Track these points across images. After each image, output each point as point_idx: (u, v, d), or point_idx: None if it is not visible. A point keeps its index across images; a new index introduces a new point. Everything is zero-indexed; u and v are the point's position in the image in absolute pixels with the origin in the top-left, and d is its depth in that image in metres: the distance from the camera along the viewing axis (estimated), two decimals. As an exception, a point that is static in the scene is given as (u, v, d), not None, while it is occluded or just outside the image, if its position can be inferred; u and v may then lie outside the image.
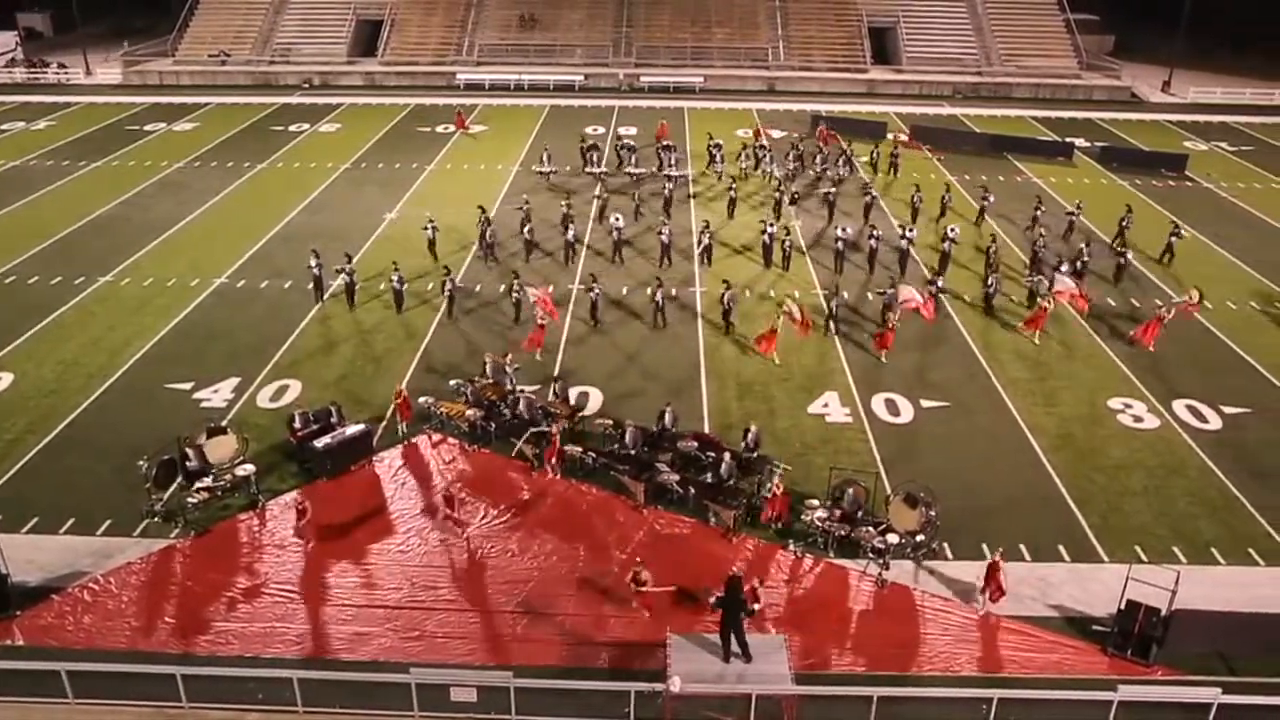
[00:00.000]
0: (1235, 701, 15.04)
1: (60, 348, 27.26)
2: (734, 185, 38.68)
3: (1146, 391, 25.31)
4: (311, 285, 30.19)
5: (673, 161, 41.49)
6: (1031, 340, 27.75)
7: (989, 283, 29.66)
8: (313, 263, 29.87)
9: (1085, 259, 31.53)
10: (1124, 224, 35.01)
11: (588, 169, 42.43)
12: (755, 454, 21.20)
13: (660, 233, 33.14)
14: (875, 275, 32.13)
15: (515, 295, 28.71)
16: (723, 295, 28.43)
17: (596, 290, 28.54)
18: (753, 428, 21.61)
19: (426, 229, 33.57)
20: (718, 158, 42.72)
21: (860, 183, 40.44)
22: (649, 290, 28.84)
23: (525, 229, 33.62)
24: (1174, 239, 33.70)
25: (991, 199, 37.31)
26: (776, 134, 49.09)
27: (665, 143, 43.81)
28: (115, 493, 20.58)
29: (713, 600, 15.67)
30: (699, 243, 33.27)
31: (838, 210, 37.38)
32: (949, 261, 32.09)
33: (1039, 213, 35.88)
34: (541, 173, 41.86)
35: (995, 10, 65.93)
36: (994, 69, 62.35)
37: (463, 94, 59.56)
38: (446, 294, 29.04)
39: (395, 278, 29.35)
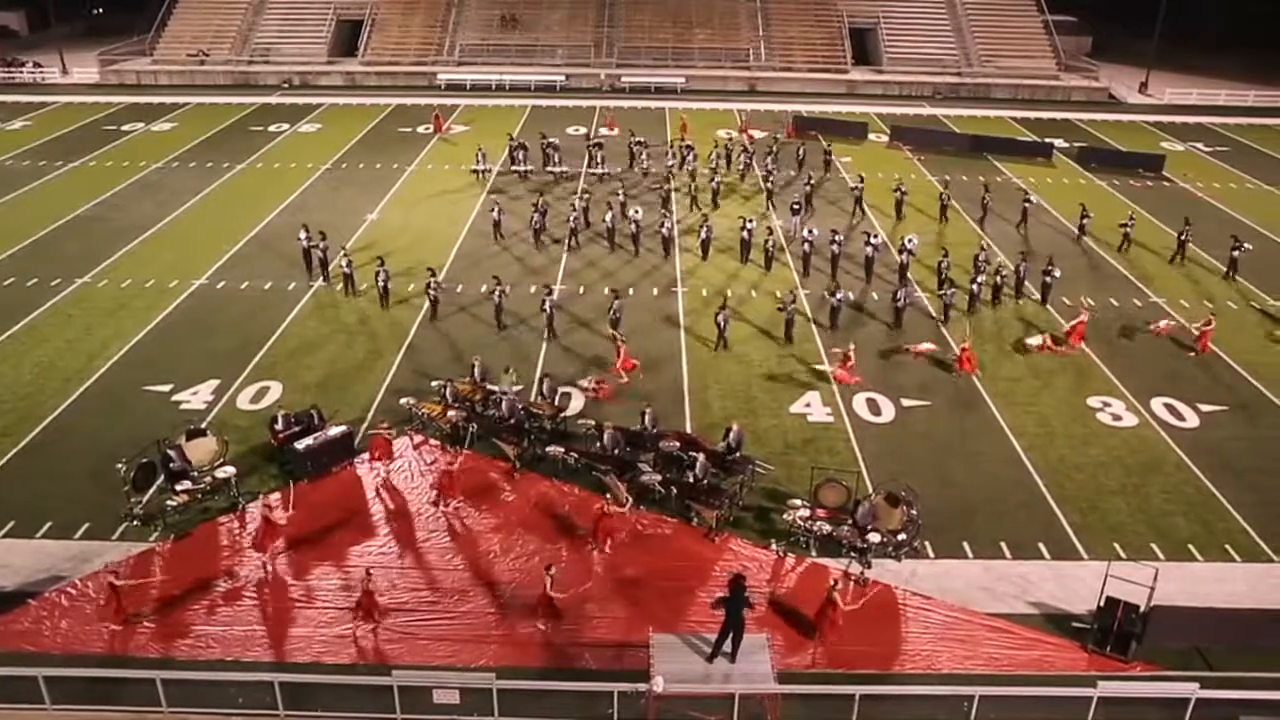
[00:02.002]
0: (1213, 696, 15.17)
1: (36, 350, 26.96)
2: (770, 179, 39.23)
3: (1125, 390, 25.54)
4: (301, 260, 32.00)
5: (599, 160, 42.37)
6: (1078, 352, 27.33)
7: (898, 297, 28.52)
8: (302, 235, 31.69)
9: (1004, 274, 30.74)
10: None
11: (514, 167, 42.62)
12: (737, 454, 21.18)
13: (662, 227, 33.68)
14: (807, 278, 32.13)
15: (432, 293, 28.81)
16: (610, 305, 27.43)
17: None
18: (734, 426, 21.60)
19: (493, 211, 34.77)
20: (641, 156, 43.01)
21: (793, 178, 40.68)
22: (541, 299, 27.99)
23: (572, 219, 34.63)
24: (1236, 252, 32.30)
25: (1034, 199, 37.05)
26: (757, 134, 49.13)
27: (595, 140, 44.19)
28: (93, 496, 20.39)
29: (715, 599, 15.60)
30: (698, 236, 33.89)
31: (847, 209, 38.01)
32: (906, 272, 31.42)
33: (1086, 221, 35.97)
34: (476, 170, 42.10)
35: (974, 11, 66.35)
36: (974, 70, 62.72)
37: (444, 94, 59.32)
38: (381, 285, 29.36)
39: (344, 262, 30.37)
